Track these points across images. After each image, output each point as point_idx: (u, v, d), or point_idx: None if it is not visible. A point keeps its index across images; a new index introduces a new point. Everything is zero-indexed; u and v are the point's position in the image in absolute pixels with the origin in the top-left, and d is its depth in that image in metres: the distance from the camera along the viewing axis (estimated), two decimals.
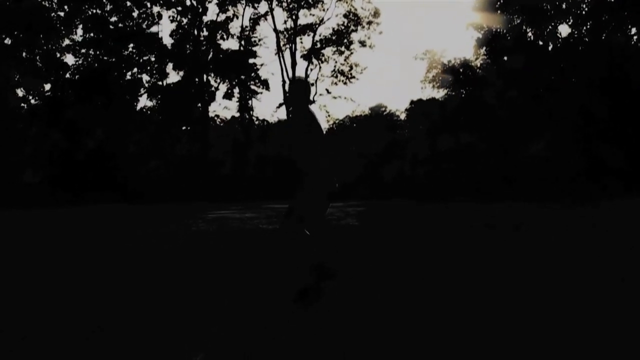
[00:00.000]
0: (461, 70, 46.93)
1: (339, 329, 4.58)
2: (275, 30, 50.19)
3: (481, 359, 3.82)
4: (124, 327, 4.78)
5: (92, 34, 45.84)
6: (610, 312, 5.00)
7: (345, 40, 50.80)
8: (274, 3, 49.59)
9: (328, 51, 51.02)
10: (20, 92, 45.24)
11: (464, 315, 4.94)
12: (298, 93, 5.47)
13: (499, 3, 43.42)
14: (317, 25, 50.35)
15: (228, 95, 49.47)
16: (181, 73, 48.48)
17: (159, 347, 4.21)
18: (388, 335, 4.38)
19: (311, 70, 50.75)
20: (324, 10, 50.57)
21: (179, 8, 47.60)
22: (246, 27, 50.01)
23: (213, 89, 49.10)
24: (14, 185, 38.69)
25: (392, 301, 5.49)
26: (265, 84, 49.83)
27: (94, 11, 46.08)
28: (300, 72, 50.82)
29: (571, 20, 43.07)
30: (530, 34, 44.50)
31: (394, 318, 4.79)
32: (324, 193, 5.26)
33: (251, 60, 49.81)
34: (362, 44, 51.06)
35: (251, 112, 50.40)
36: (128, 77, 47.42)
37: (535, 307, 5.20)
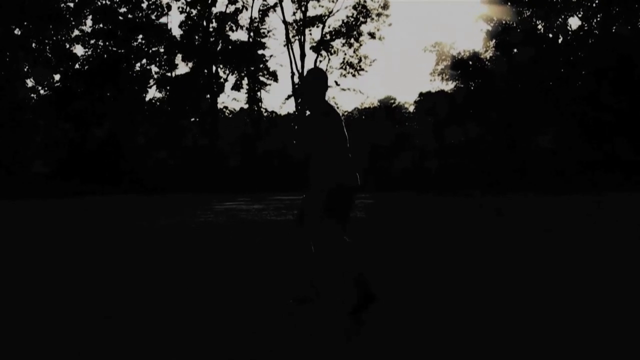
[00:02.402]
0: (470, 62, 46.71)
1: (341, 330, 4.61)
2: (284, 21, 50.11)
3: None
4: (126, 325, 4.82)
5: (101, 25, 45.90)
6: (611, 311, 5.01)
7: (355, 32, 50.62)
8: None
9: (337, 43, 50.89)
10: (29, 83, 45.47)
11: (468, 316, 4.96)
12: (315, 83, 5.15)
13: None
14: (326, 17, 50.22)
15: (237, 87, 49.48)
16: (190, 64, 48.55)
17: (159, 345, 4.25)
18: (393, 336, 4.41)
19: (320, 62, 50.63)
20: (333, 1, 50.39)
21: None
22: (255, 18, 49.97)
23: (222, 80, 49.12)
24: (24, 175, 38.87)
25: (396, 301, 5.51)
26: (274, 76, 49.82)
27: (104, 2, 46.14)
28: (309, 63, 50.72)
29: (581, 13, 42.81)
30: (540, 26, 44.26)
31: (397, 319, 4.82)
32: (340, 187, 4.93)
33: (260, 52, 49.81)
34: (372, 36, 50.88)
35: (260, 104, 50.41)
36: (137, 68, 47.51)
37: (537, 308, 5.22)
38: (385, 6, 50.42)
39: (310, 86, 5.17)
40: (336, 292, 5.28)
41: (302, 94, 5.90)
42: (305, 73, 5.59)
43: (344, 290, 5.00)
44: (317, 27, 50.53)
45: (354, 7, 50.21)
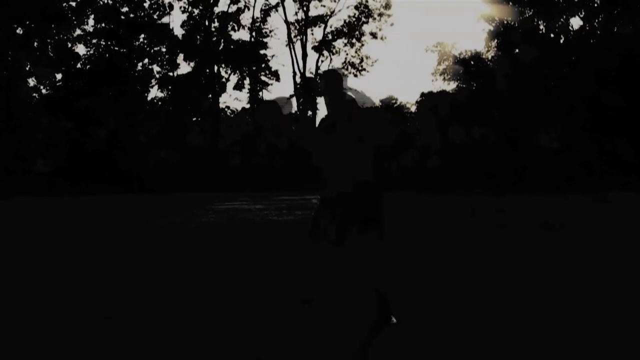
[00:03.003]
0: (472, 62, 46.64)
1: (340, 331, 4.61)
2: (286, 21, 50.11)
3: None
4: (126, 325, 4.83)
5: (103, 24, 45.90)
6: (610, 312, 5.01)
7: (356, 32, 50.62)
8: None
9: (339, 43, 50.87)
10: (31, 82, 45.47)
11: (469, 317, 4.96)
12: (334, 83, 5.01)
13: None
14: (328, 17, 50.21)
15: (238, 87, 49.43)
16: (192, 64, 48.51)
17: (159, 345, 4.25)
18: (394, 335, 4.41)
19: (322, 62, 50.64)
20: (335, 1, 50.36)
21: None
22: (257, 18, 49.96)
23: (223, 80, 49.08)
24: (26, 175, 38.87)
25: (396, 302, 5.50)
26: (275, 75, 49.80)
27: (106, 1, 46.13)
28: (310, 64, 50.74)
29: (583, 13, 42.74)
30: (542, 26, 44.18)
31: (398, 319, 4.81)
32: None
33: (262, 52, 49.77)
34: (374, 35, 50.87)
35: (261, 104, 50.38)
36: (139, 67, 47.46)
37: (537, 309, 5.21)
38: (387, 6, 50.43)
39: (329, 87, 5.05)
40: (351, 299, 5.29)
41: (325, 96, 5.40)
42: (317, 74, 5.18)
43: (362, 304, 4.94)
44: (319, 27, 50.55)
45: (356, 7, 50.23)
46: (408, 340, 4.11)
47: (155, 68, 48.08)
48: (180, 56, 48.38)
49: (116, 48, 46.26)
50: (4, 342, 4.19)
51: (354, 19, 50.36)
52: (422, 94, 50.48)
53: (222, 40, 48.87)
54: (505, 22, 44.42)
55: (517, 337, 4.14)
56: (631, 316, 4.65)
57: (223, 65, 49.01)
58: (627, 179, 31.97)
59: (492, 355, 3.77)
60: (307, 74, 50.03)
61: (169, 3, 47.62)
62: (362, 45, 50.92)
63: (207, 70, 48.44)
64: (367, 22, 50.59)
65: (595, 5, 42.26)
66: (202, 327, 4.50)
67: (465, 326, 4.43)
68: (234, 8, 48.73)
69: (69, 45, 45.80)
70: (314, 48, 50.31)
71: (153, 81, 47.86)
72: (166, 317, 4.80)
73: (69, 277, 6.75)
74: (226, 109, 51.55)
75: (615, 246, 8.82)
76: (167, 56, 48.02)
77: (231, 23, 48.95)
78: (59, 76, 45.44)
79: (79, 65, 45.70)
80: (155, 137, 46.45)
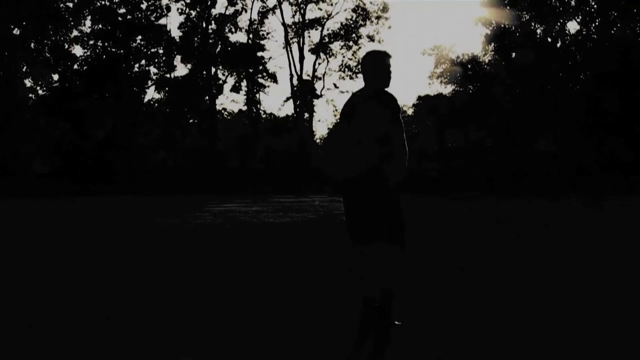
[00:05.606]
0: (469, 65, 46.74)
1: (337, 333, 4.60)
2: (283, 24, 50.19)
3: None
4: (125, 326, 4.82)
5: (100, 26, 45.87)
6: (609, 314, 5.01)
7: (354, 35, 50.70)
8: None
9: (336, 46, 50.97)
10: (28, 83, 45.43)
11: (468, 317, 4.96)
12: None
13: None
14: (325, 20, 50.29)
15: (236, 89, 49.45)
16: (189, 66, 48.49)
17: (158, 347, 4.25)
18: (394, 335, 4.41)
19: (319, 64, 50.73)
20: (332, 4, 50.48)
21: (188, 0, 47.55)
22: (254, 20, 50.01)
23: (221, 82, 49.10)
24: (23, 175, 38.82)
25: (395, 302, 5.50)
26: (273, 78, 49.82)
27: (103, 2, 46.08)
28: (308, 66, 50.81)
29: (580, 17, 42.88)
30: (539, 30, 44.30)
31: (398, 319, 4.81)
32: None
33: (259, 54, 49.81)
34: (371, 38, 50.98)
35: (258, 106, 50.42)
36: (136, 69, 47.43)
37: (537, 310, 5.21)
38: (384, 9, 50.55)
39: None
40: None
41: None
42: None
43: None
44: (316, 29, 50.66)
45: (354, 10, 50.30)
46: (407, 341, 4.11)
47: (152, 69, 48.17)
48: (178, 58, 48.44)
49: (113, 49, 46.24)
50: (4, 342, 4.18)
51: (351, 22, 50.46)
52: (419, 97, 50.65)
53: (220, 42, 48.89)
54: (502, 25, 44.51)
55: (517, 337, 4.14)
56: (631, 315, 4.66)
57: (220, 67, 49.07)
58: (625, 181, 32.09)
59: (492, 355, 3.77)
60: (304, 77, 50.14)
61: (167, 5, 47.72)
62: (360, 48, 51.03)
63: (204, 72, 48.45)
64: (364, 25, 50.75)
65: (592, 9, 42.38)
66: (201, 327, 4.49)
67: (465, 326, 4.43)
68: (231, 10, 48.85)
69: (66, 46, 45.78)
70: (311, 50, 50.41)
71: (150, 82, 47.87)
72: (166, 318, 4.80)
73: (68, 279, 6.74)
74: (223, 111, 51.61)
75: (612, 249, 8.83)
76: (164, 58, 48.04)
77: (228, 25, 48.99)
78: (55, 77, 45.46)
79: (76, 66, 45.67)
80: (153, 138, 46.42)
